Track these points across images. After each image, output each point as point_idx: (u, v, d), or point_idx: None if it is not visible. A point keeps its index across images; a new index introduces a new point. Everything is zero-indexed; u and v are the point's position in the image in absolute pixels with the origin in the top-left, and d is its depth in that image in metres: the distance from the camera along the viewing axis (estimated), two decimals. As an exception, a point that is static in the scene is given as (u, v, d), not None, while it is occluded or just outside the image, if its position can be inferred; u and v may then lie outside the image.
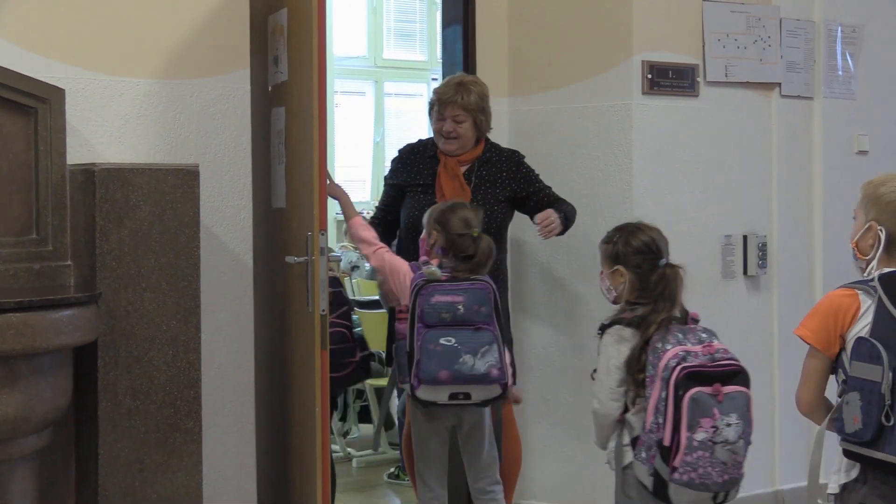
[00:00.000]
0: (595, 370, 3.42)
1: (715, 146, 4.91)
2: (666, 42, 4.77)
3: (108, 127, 3.90)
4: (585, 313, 4.65)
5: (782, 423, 5.05)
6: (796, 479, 5.03)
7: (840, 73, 5.26)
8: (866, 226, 2.91)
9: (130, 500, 3.59)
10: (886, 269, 2.86)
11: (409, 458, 4.31)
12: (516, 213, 4.47)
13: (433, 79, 9.75)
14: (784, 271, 5.09)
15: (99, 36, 3.88)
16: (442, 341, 3.66)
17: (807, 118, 5.18)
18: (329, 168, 3.97)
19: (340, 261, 7.32)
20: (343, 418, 6.88)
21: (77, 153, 3.75)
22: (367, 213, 5.65)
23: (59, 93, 3.61)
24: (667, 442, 3.13)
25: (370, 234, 4.08)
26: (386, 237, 4.31)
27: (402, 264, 3.94)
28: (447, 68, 5.07)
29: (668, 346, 3.23)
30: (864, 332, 2.78)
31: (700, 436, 3.11)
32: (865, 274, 2.89)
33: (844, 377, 2.84)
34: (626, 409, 3.35)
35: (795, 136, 5.15)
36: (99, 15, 3.87)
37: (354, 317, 6.30)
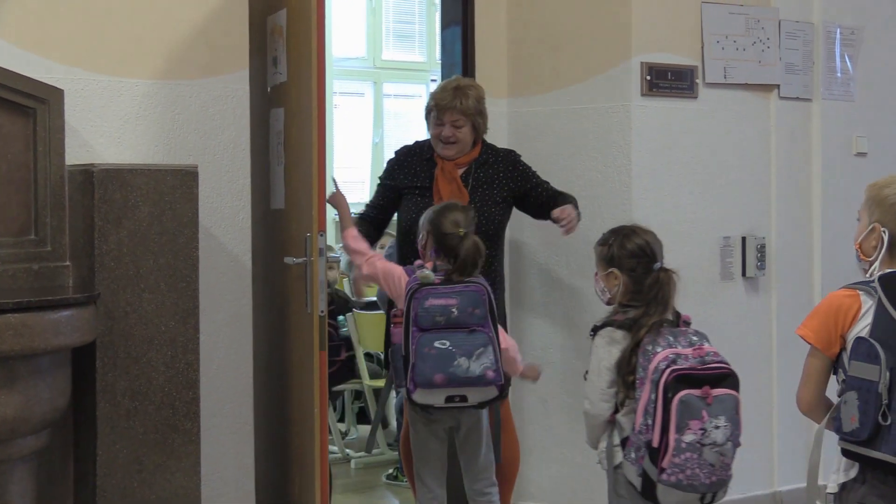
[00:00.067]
0: (587, 371, 3.45)
1: (714, 148, 4.91)
2: (665, 43, 4.77)
3: (106, 127, 3.90)
4: (584, 315, 4.65)
5: (781, 424, 5.05)
6: (795, 480, 5.03)
7: (839, 74, 5.26)
8: (869, 227, 2.93)
9: (129, 500, 3.59)
10: (888, 270, 2.87)
11: (406, 459, 4.32)
12: (516, 214, 4.47)
13: (432, 80, 9.75)
14: (783, 273, 5.09)
15: (98, 36, 3.88)
16: (436, 344, 3.66)
17: (806, 120, 5.18)
18: (328, 169, 3.97)
19: (339, 262, 7.31)
20: (341, 419, 6.89)
21: (76, 154, 3.75)
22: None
23: (57, 93, 3.61)
24: (655, 443, 3.17)
25: (363, 245, 4.08)
26: (371, 235, 4.32)
27: (395, 268, 3.94)
28: (446, 69, 5.07)
29: (659, 349, 3.26)
30: (865, 333, 2.80)
31: (688, 438, 3.15)
32: (868, 275, 2.90)
33: (844, 377, 2.86)
34: (616, 410, 3.39)
35: (794, 137, 5.15)
36: (98, 15, 3.87)
37: (340, 317, 6.33)
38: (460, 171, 4.32)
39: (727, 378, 3.25)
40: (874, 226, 2.92)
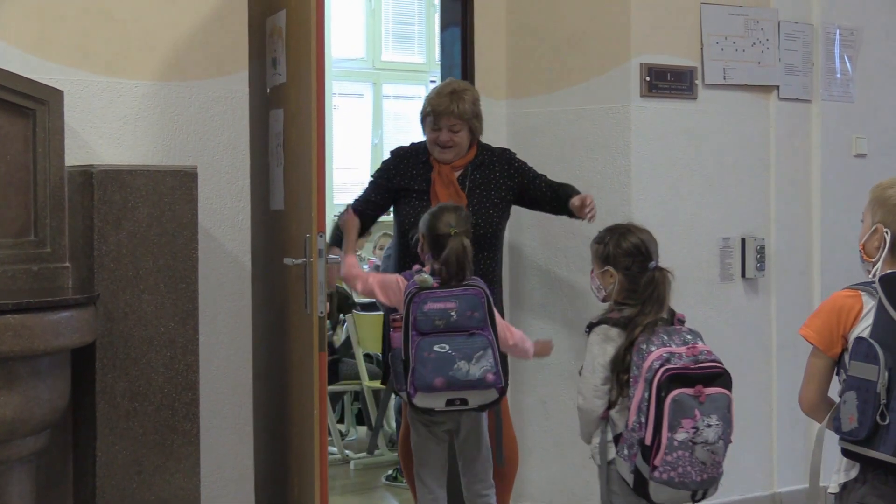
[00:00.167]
0: (582, 367, 3.49)
1: (713, 149, 4.91)
2: (664, 45, 4.77)
3: (106, 129, 3.90)
4: (584, 316, 4.61)
5: (780, 425, 5.05)
6: (794, 481, 5.04)
7: (838, 75, 5.26)
8: (872, 228, 2.94)
9: (128, 501, 3.59)
10: (889, 271, 2.88)
11: (405, 460, 4.32)
12: (515, 216, 4.46)
13: (431, 81, 9.75)
14: (782, 274, 5.10)
15: (97, 38, 3.88)
16: (436, 348, 3.67)
17: (805, 121, 5.18)
18: (327, 169, 3.97)
19: (339, 263, 7.31)
20: (341, 420, 6.89)
21: (75, 155, 3.75)
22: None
23: (57, 94, 3.61)
24: (648, 441, 3.22)
25: (359, 270, 4.08)
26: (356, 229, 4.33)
27: (391, 277, 3.94)
28: (445, 70, 5.07)
29: (653, 348, 3.30)
30: (866, 333, 2.81)
31: (680, 436, 3.20)
32: (871, 276, 2.91)
33: (845, 377, 2.87)
34: (610, 406, 3.43)
35: (794, 138, 5.15)
36: (97, 17, 3.87)
37: (341, 316, 6.34)
38: (457, 174, 4.31)
39: (720, 377, 3.30)
40: (877, 226, 2.93)
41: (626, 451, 3.32)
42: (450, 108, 4.24)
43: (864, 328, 2.83)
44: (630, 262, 3.50)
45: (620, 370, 3.38)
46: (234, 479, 4.10)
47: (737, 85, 4.96)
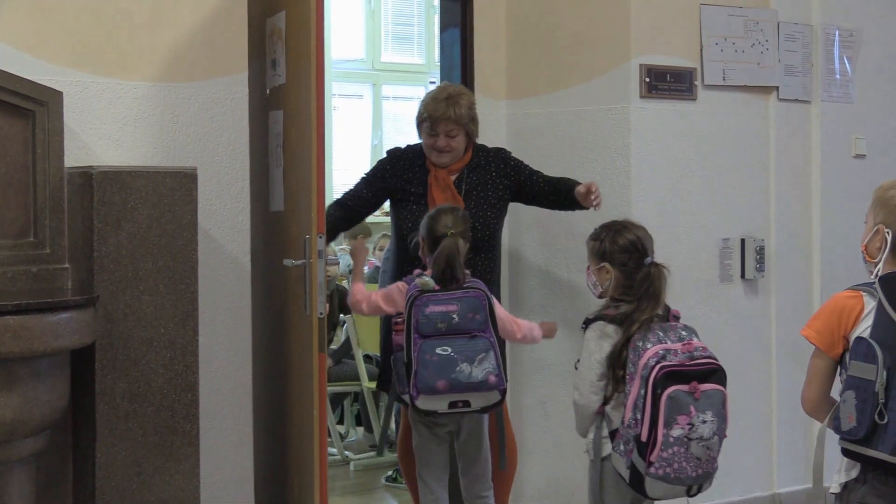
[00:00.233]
0: (578, 360, 3.53)
1: (713, 150, 4.91)
2: (664, 45, 4.77)
3: (105, 130, 3.90)
4: (583, 316, 4.60)
5: (780, 426, 5.05)
6: (794, 482, 5.04)
7: (838, 76, 5.26)
8: (874, 229, 2.95)
9: (128, 502, 3.59)
10: (889, 272, 2.88)
11: (404, 461, 4.32)
12: (515, 217, 4.46)
13: (431, 82, 9.75)
14: (782, 275, 5.10)
15: (97, 39, 3.88)
16: (438, 351, 3.68)
17: (804, 122, 5.18)
18: (327, 170, 3.97)
19: (339, 264, 7.32)
20: (340, 421, 6.89)
21: (75, 156, 3.75)
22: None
23: (56, 95, 3.61)
24: (644, 437, 3.26)
25: (365, 293, 4.06)
26: (342, 224, 4.36)
27: (391, 287, 3.95)
28: (445, 71, 5.07)
29: (649, 345, 3.35)
30: (866, 334, 2.82)
31: (676, 432, 3.24)
32: (873, 276, 2.92)
33: (846, 377, 2.87)
34: (605, 402, 3.47)
35: (793, 139, 5.15)
36: (97, 18, 3.87)
37: (342, 316, 6.35)
38: (453, 178, 4.31)
39: (715, 373, 3.34)
40: (878, 227, 2.95)
41: (622, 447, 3.36)
42: (446, 114, 4.23)
43: (864, 329, 2.84)
44: (626, 258, 3.55)
45: (616, 366, 3.43)
46: (233, 479, 4.10)
47: (736, 86, 4.96)
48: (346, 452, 6.30)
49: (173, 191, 3.67)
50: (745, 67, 4.97)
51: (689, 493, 3.36)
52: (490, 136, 4.63)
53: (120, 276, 3.59)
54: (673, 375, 3.26)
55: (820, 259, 5.19)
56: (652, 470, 3.25)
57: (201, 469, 3.75)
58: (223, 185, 4.08)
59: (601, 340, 3.47)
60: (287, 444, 4.17)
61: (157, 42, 3.98)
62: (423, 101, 4.38)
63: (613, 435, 3.43)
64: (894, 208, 2.93)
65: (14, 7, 3.75)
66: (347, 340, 6.41)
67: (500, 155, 4.41)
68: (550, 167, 4.52)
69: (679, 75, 4.81)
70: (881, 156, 5.34)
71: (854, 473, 2.88)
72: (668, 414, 3.23)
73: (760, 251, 4.99)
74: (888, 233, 2.92)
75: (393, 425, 6.28)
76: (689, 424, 3.23)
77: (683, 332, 3.41)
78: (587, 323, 3.53)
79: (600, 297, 3.64)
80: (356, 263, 4.25)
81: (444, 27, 5.12)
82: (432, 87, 4.57)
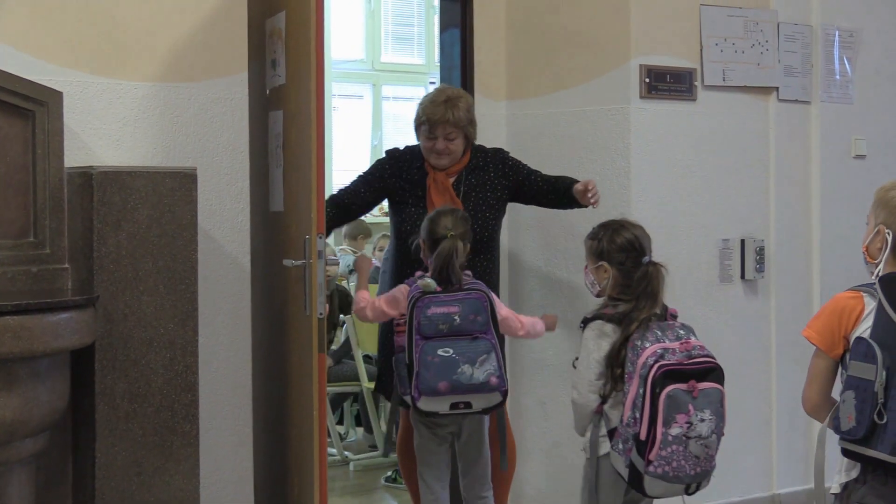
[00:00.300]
0: (576, 359, 3.55)
1: (712, 150, 4.91)
2: (664, 46, 4.78)
3: (105, 130, 3.90)
4: (582, 316, 4.65)
5: (780, 427, 5.05)
6: (794, 482, 5.04)
7: (837, 77, 5.26)
8: (875, 229, 2.95)
9: (128, 503, 3.59)
10: (889, 272, 2.89)
11: (404, 461, 4.32)
12: (514, 217, 4.46)
13: (431, 82, 9.75)
14: (781, 275, 5.10)
15: (97, 39, 3.88)
16: (440, 352, 3.68)
17: (804, 122, 5.19)
18: (327, 171, 3.97)
19: (338, 264, 7.32)
20: (340, 421, 6.89)
21: (75, 156, 3.75)
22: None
23: (56, 96, 3.61)
24: (643, 436, 3.28)
25: (369, 300, 4.08)
26: (335, 220, 4.37)
27: (394, 290, 3.96)
28: (445, 72, 5.07)
29: (647, 344, 3.36)
30: (866, 334, 2.82)
31: (675, 431, 3.25)
32: (874, 277, 2.92)
33: (846, 377, 2.88)
34: (604, 400, 3.49)
35: (793, 140, 5.15)
36: (97, 18, 3.87)
37: (342, 316, 6.35)
38: (451, 180, 4.31)
39: (713, 371, 3.35)
40: (879, 228, 2.95)
41: (621, 446, 3.38)
42: (445, 117, 4.23)
43: (865, 329, 2.85)
44: (624, 257, 3.57)
45: (615, 365, 3.45)
46: (233, 480, 4.10)
47: (736, 86, 4.97)
48: (346, 453, 6.30)
49: (173, 191, 3.67)
50: (745, 68, 4.98)
51: (688, 492, 3.39)
52: (490, 136, 4.63)
53: (120, 277, 3.59)
54: (671, 374, 3.28)
55: (820, 259, 5.19)
56: (651, 468, 3.27)
57: (201, 469, 3.75)
58: (223, 186, 4.08)
59: (599, 339, 3.49)
60: (287, 445, 4.17)
61: (158, 42, 3.98)
62: (421, 103, 4.38)
63: (611, 434, 3.45)
64: (894, 209, 2.94)
65: (14, 7, 3.75)
66: (347, 341, 6.42)
67: (499, 155, 4.42)
68: (550, 168, 4.52)
69: (679, 76, 4.81)
70: (881, 156, 5.35)
71: (854, 474, 2.89)
72: (667, 413, 3.24)
73: (760, 252, 4.99)
74: (889, 233, 2.93)
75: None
76: (687, 423, 3.25)
77: (681, 331, 3.43)
78: (585, 322, 3.55)
79: (598, 296, 3.65)
80: (360, 275, 4.25)
81: (443, 27, 5.12)
82: (431, 89, 4.57)
